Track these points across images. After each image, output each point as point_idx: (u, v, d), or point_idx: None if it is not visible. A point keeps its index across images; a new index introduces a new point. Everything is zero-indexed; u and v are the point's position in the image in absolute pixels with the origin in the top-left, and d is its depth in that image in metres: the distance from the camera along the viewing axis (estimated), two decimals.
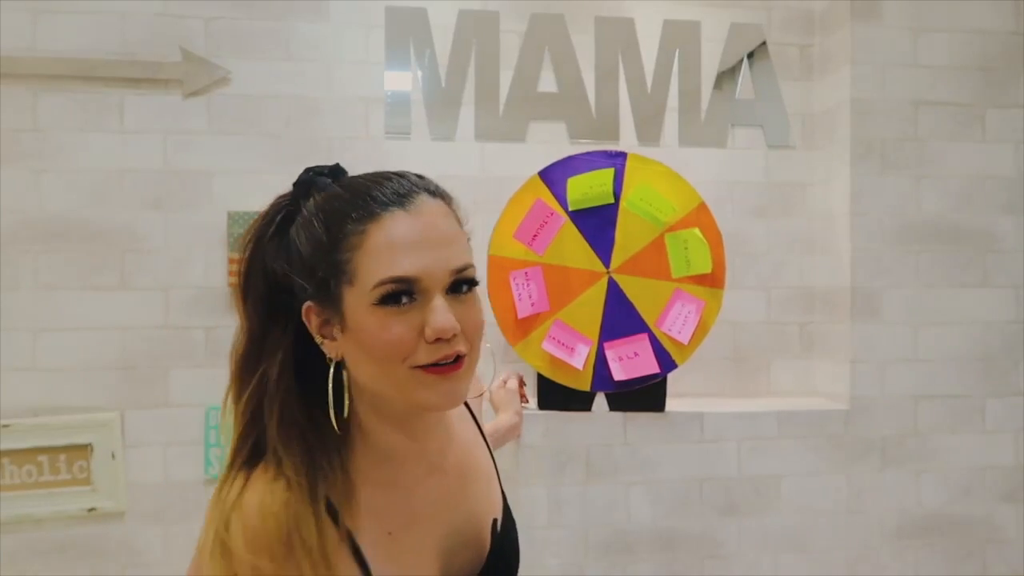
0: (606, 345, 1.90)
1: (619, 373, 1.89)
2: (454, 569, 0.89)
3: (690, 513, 1.98)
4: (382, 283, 0.75)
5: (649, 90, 2.13)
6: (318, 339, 0.80)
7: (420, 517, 0.87)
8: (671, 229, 1.90)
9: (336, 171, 0.83)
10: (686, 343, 1.89)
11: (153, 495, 1.94)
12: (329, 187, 0.81)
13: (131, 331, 1.93)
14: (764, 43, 2.17)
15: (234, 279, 0.84)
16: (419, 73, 2.05)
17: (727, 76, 2.17)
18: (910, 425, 2.07)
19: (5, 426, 1.86)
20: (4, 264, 1.89)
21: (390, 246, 0.75)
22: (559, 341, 1.87)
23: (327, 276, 0.77)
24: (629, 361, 1.89)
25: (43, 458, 1.89)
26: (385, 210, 0.76)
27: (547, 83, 2.09)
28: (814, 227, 2.21)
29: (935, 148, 2.09)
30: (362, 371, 0.79)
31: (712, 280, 1.91)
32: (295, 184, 0.82)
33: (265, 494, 0.76)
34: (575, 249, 1.90)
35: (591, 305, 1.90)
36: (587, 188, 1.88)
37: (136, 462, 1.93)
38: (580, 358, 1.87)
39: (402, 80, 2.04)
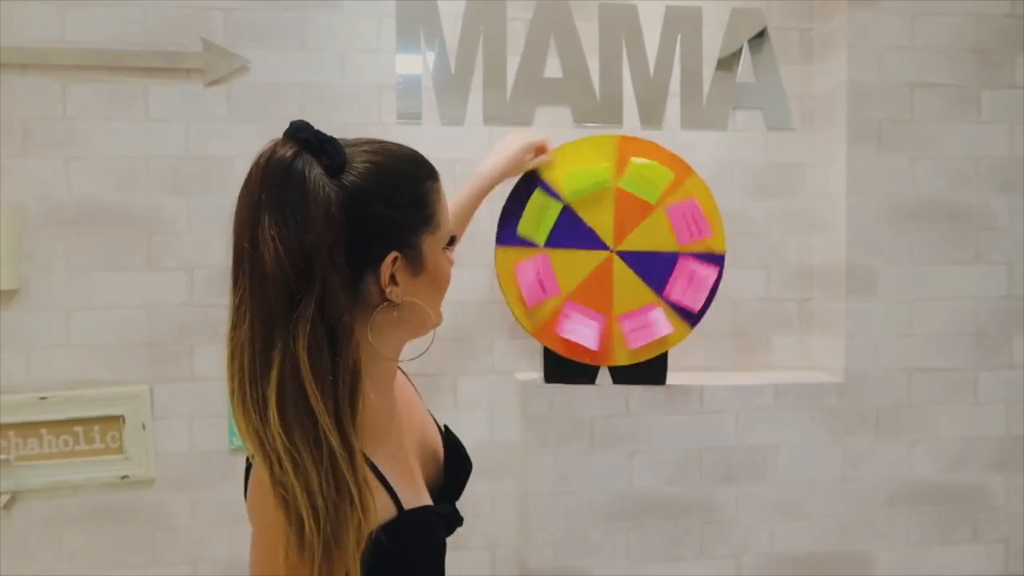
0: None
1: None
2: (429, 477, 1.05)
3: (690, 481, 2.07)
4: (450, 227, 0.96)
5: (651, 75, 2.19)
6: (388, 286, 0.90)
7: (401, 433, 1.01)
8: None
9: (319, 134, 0.88)
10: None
11: (181, 464, 2.05)
12: (355, 152, 0.89)
13: (158, 309, 2.04)
14: (764, 28, 2.23)
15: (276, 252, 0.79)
16: (429, 60, 2.12)
17: (728, 60, 2.23)
18: (904, 397, 2.15)
19: (43, 399, 1.97)
20: (38, 247, 2.00)
21: (446, 197, 0.96)
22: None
23: (416, 227, 0.91)
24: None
25: (78, 428, 2.00)
26: (435, 170, 0.95)
27: (553, 69, 2.17)
28: (813, 207, 2.28)
29: (931, 129, 2.15)
30: (429, 302, 0.94)
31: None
32: (301, 142, 0.85)
33: None
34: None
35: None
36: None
37: (164, 433, 2.05)
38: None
39: (413, 67, 2.12)
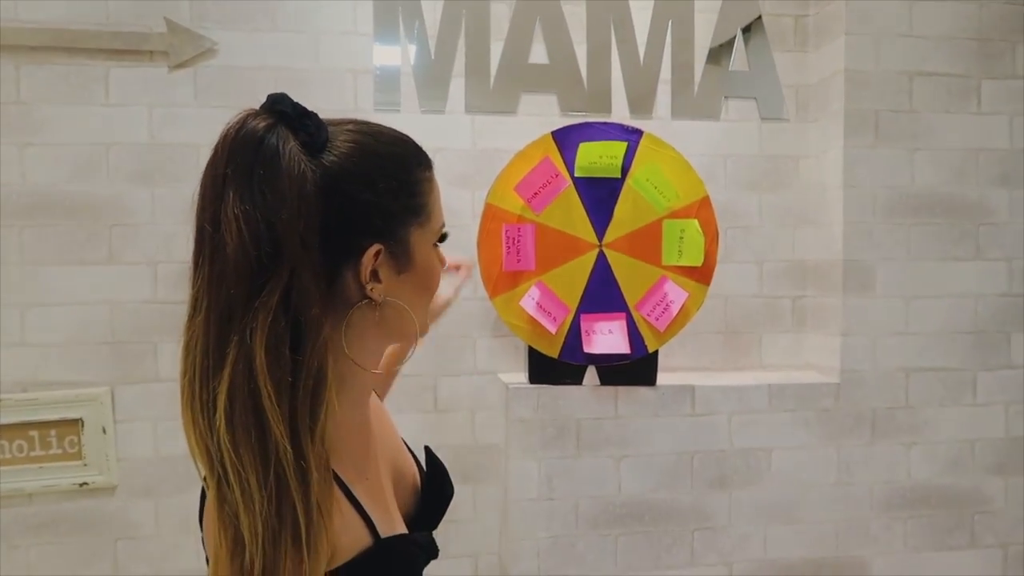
0: (583, 316, 1.89)
1: (589, 346, 1.88)
2: (401, 500, 0.95)
3: (680, 486, 1.99)
4: (443, 223, 0.86)
5: (642, 62, 2.10)
6: (368, 282, 0.79)
7: (375, 455, 0.91)
8: (671, 216, 1.89)
9: (299, 107, 0.79)
10: (662, 330, 1.89)
11: (144, 469, 1.94)
12: (338, 130, 0.79)
13: (120, 306, 1.93)
14: (758, 14, 2.14)
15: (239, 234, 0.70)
16: (408, 45, 2.02)
17: (720, 48, 2.14)
18: (901, 398, 2.08)
19: None
20: None
21: (440, 193, 0.86)
22: (537, 303, 1.86)
23: (401, 215, 0.80)
24: (602, 336, 1.89)
25: (34, 433, 1.89)
26: (430, 162, 0.85)
27: (538, 55, 2.07)
28: (807, 200, 2.20)
29: (929, 120, 2.08)
30: (414, 304, 0.84)
31: (700, 274, 1.90)
32: (279, 115, 0.75)
33: None
34: (572, 215, 1.89)
35: (576, 274, 1.89)
36: (596, 157, 1.86)
37: (127, 437, 1.93)
38: (555, 323, 1.87)
39: (391, 52, 2.01)
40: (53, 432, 1.90)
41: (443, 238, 0.86)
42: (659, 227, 1.89)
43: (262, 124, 0.73)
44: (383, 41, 2.01)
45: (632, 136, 1.88)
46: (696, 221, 1.88)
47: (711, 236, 1.89)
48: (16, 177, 1.88)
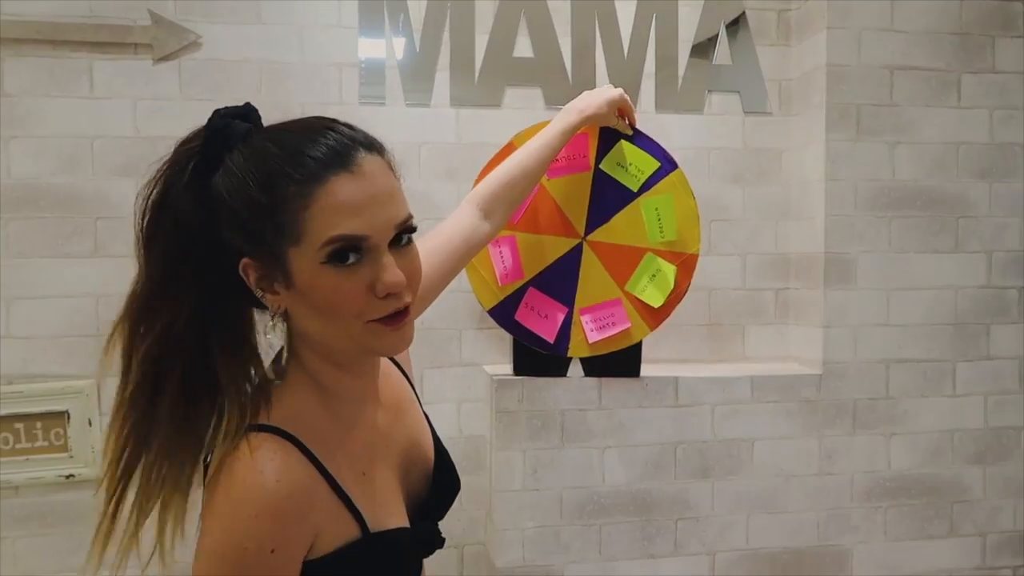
0: (531, 289, 1.88)
1: (520, 317, 1.87)
2: (412, 491, 0.98)
3: (664, 476, 2.01)
4: (331, 241, 0.77)
5: (626, 56, 2.12)
6: (257, 293, 0.82)
7: (379, 450, 0.93)
8: (655, 252, 1.88)
9: (248, 111, 0.83)
10: (589, 343, 1.89)
11: None
12: (253, 138, 0.81)
13: (105, 298, 1.93)
14: (743, 9, 2.16)
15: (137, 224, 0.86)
16: (393, 38, 2.03)
17: (704, 41, 2.15)
18: (881, 389, 2.10)
19: None
20: None
21: (337, 208, 0.77)
22: (501, 253, 1.85)
23: (268, 236, 0.78)
24: (536, 316, 1.88)
25: (19, 426, 1.89)
26: (329, 172, 0.77)
27: (523, 48, 2.08)
28: (790, 193, 2.22)
29: (910, 114, 2.10)
30: (311, 325, 0.83)
31: (651, 315, 1.89)
32: (210, 130, 0.82)
33: (264, 461, 0.79)
34: (575, 200, 1.87)
35: (548, 250, 1.87)
36: (627, 162, 1.85)
37: None
38: (506, 278, 1.85)
39: (376, 46, 2.02)
40: (39, 425, 1.90)
41: (336, 258, 0.77)
42: (640, 256, 1.90)
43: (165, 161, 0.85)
44: (368, 34, 2.01)
45: (668, 165, 1.87)
46: (675, 268, 1.87)
47: (679, 291, 1.89)
48: (1, 170, 1.88)
